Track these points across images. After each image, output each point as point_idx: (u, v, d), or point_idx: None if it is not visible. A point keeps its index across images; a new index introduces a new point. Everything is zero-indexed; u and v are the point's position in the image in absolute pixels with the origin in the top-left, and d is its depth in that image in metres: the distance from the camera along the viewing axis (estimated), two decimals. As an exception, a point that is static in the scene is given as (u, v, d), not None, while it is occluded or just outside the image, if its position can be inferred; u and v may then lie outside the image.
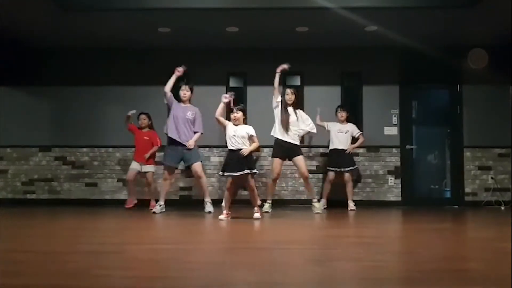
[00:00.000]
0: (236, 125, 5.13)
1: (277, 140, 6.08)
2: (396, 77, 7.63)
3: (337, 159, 6.76)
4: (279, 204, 6.98)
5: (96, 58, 7.73)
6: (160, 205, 6.01)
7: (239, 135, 5.04)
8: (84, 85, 7.73)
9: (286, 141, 6.00)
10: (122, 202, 7.28)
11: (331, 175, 6.81)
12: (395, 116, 7.57)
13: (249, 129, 5.10)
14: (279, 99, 6.12)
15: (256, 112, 7.30)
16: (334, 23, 6.42)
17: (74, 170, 7.67)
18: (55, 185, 7.67)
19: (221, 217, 5.03)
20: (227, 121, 5.21)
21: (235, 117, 5.12)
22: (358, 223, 5.19)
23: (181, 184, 7.56)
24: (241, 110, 5.17)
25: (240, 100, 7.66)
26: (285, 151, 6.02)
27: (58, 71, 7.75)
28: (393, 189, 7.52)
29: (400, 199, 7.49)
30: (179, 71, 6.06)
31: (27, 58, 7.74)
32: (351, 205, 6.72)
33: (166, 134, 6.14)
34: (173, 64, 7.68)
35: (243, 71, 7.74)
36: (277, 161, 6.07)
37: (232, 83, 7.82)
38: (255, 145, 5.08)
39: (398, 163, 7.54)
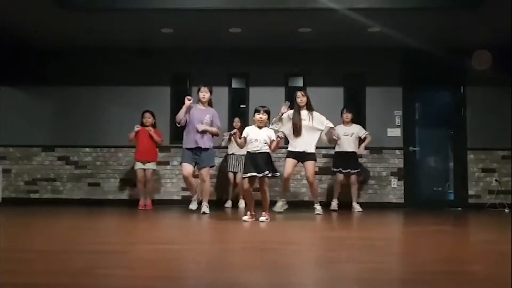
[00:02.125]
0: (260, 127, 4.90)
1: (290, 150, 5.96)
2: (399, 78, 7.61)
3: (342, 162, 6.74)
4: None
5: (99, 58, 7.74)
6: (204, 204, 5.85)
7: (261, 140, 4.84)
8: (87, 85, 7.75)
9: (298, 151, 5.88)
10: (124, 202, 7.32)
11: (340, 176, 6.79)
12: (398, 117, 7.56)
13: (271, 133, 4.93)
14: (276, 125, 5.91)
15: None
16: (337, 24, 6.41)
17: (76, 170, 7.68)
18: (58, 184, 7.69)
19: (246, 218, 4.89)
20: (244, 133, 4.95)
21: (260, 118, 4.87)
22: (360, 225, 5.18)
23: (183, 185, 7.55)
24: (267, 112, 4.92)
25: (242, 101, 7.70)
26: (297, 155, 5.91)
27: (61, 71, 7.77)
28: (396, 191, 7.50)
29: (403, 201, 7.47)
30: (189, 99, 5.82)
31: (30, 58, 7.76)
32: (357, 206, 6.68)
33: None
34: (176, 64, 7.76)
35: (245, 72, 7.74)
36: (289, 161, 5.93)
37: (234, 84, 7.82)
38: (275, 143, 4.89)
39: (401, 165, 7.51)
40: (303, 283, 2.20)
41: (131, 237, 3.89)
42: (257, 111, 4.93)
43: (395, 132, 7.54)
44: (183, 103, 5.83)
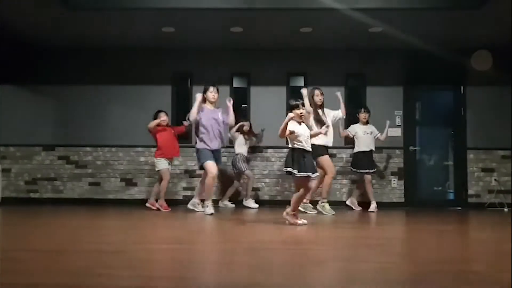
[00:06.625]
0: (301, 122, 4.50)
1: (321, 145, 5.98)
2: (400, 78, 7.62)
3: (362, 162, 6.74)
4: (284, 205, 6.96)
5: (100, 57, 7.74)
6: (207, 206, 5.71)
7: (308, 135, 4.51)
8: (88, 84, 7.74)
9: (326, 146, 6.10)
10: (125, 202, 7.33)
11: (368, 177, 6.77)
12: (398, 117, 7.56)
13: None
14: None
15: (259, 112, 7.32)
16: (338, 23, 6.41)
17: (77, 170, 7.68)
18: (58, 184, 7.69)
19: (303, 221, 4.63)
20: (291, 128, 4.38)
21: (301, 113, 4.43)
22: (361, 224, 5.18)
23: (184, 184, 7.56)
24: (304, 105, 4.53)
25: (243, 100, 7.69)
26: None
27: (62, 70, 7.77)
28: (396, 190, 7.51)
29: (403, 200, 7.48)
30: (199, 96, 5.90)
31: (31, 57, 7.75)
32: (373, 206, 6.68)
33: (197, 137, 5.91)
34: (177, 63, 7.75)
35: (247, 71, 7.74)
36: (328, 158, 6.12)
37: (236, 83, 7.82)
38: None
39: (402, 165, 7.52)
40: (307, 283, 2.20)
41: (132, 237, 3.89)
42: (296, 106, 4.42)
43: (396, 131, 7.53)
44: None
